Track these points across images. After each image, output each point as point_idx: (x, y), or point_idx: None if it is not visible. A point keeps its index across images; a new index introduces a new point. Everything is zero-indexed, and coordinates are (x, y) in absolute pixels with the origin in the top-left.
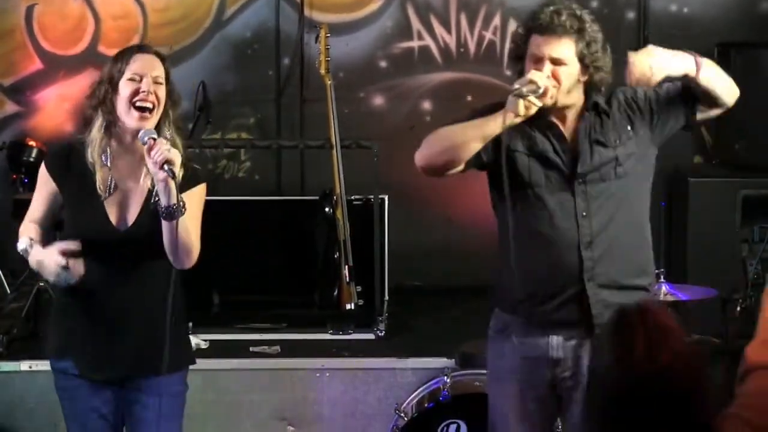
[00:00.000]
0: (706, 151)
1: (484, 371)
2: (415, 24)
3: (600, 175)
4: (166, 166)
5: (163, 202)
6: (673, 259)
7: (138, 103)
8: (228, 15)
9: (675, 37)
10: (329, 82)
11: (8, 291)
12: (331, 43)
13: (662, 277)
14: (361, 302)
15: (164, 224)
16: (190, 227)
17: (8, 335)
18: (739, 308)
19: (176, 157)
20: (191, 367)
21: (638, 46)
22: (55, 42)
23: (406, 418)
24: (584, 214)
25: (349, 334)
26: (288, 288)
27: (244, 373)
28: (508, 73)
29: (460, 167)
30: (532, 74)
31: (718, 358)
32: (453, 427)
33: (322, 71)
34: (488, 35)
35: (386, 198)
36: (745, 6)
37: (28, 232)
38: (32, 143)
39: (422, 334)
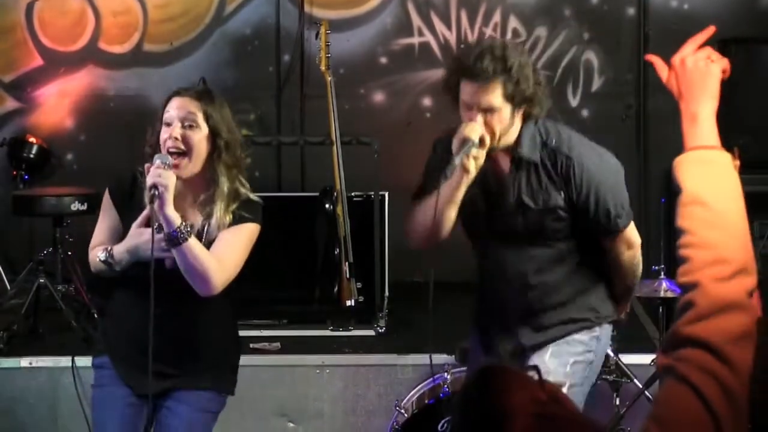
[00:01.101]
0: None
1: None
2: (416, 20)
3: (523, 234)
4: (152, 190)
5: (164, 228)
6: (674, 256)
7: (169, 149)
8: (228, 11)
9: (675, 33)
10: (329, 79)
11: (8, 287)
12: (332, 39)
13: (662, 273)
14: (361, 299)
15: (174, 253)
16: (200, 252)
17: (8, 332)
18: None
19: (168, 182)
20: None
21: (638, 42)
22: (55, 38)
23: (406, 415)
24: (513, 262)
25: (350, 330)
26: (288, 284)
27: (245, 370)
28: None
29: (448, 231)
30: (466, 130)
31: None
32: None
33: (323, 68)
34: (489, 31)
35: (386, 194)
36: (746, 2)
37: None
38: (32, 140)
39: (422, 330)
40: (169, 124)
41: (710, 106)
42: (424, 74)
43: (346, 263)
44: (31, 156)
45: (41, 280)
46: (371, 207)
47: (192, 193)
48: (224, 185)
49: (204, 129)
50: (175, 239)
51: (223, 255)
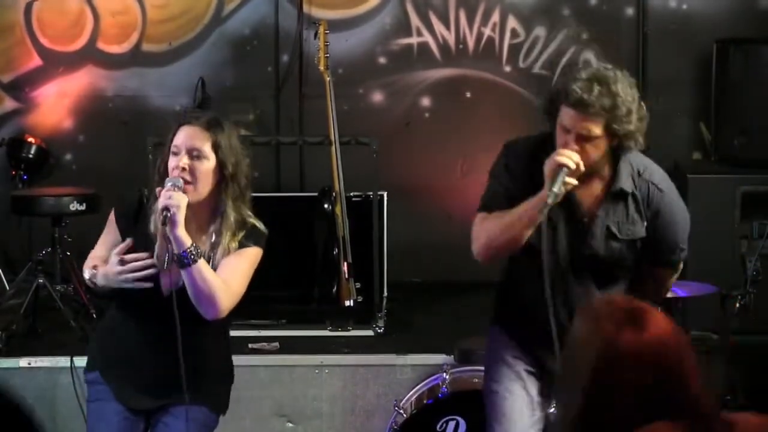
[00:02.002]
0: (705, 147)
1: (483, 368)
2: (414, 20)
3: (602, 262)
4: (164, 212)
5: (174, 248)
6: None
7: (173, 175)
8: (227, 11)
9: (674, 33)
10: (328, 79)
11: (7, 287)
12: (330, 39)
13: None
14: (360, 299)
15: (183, 276)
16: (209, 275)
17: (7, 332)
18: (738, 305)
19: (179, 203)
20: None
21: (637, 42)
22: (54, 38)
23: (405, 415)
24: (569, 289)
25: (348, 330)
26: (287, 284)
27: (244, 370)
28: (507, 69)
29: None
30: (563, 157)
31: (716, 354)
32: (452, 423)
33: (321, 68)
34: (487, 31)
35: (385, 194)
36: (744, 2)
37: (91, 265)
38: (31, 140)
39: (421, 330)
40: (176, 154)
41: None
42: (422, 74)
43: (345, 263)
44: (30, 156)
45: (40, 280)
46: (370, 207)
47: (198, 221)
48: (231, 216)
49: (212, 159)
50: (185, 261)
51: (229, 279)
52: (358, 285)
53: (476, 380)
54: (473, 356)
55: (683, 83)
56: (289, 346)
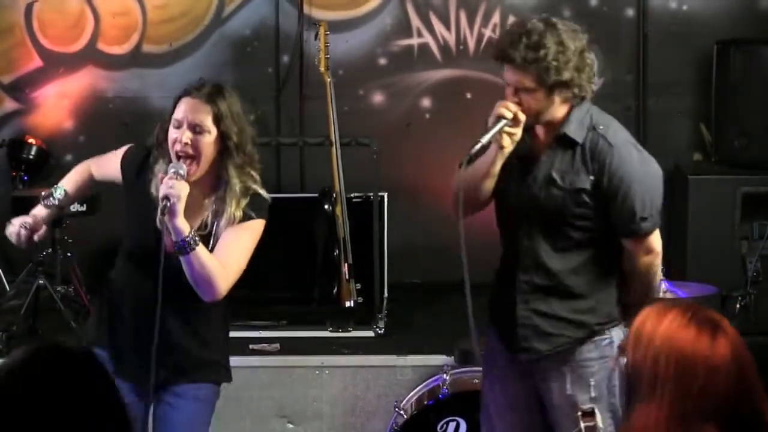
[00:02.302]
0: (705, 148)
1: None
2: (415, 21)
3: (545, 211)
4: (164, 201)
5: (173, 237)
6: (673, 257)
7: (177, 152)
8: (227, 12)
9: (674, 34)
10: (329, 80)
11: (8, 288)
12: (331, 40)
13: (662, 274)
14: (360, 300)
15: (182, 262)
16: (207, 259)
17: (8, 332)
18: (738, 305)
19: (180, 193)
20: None
21: (638, 43)
22: (54, 39)
23: (405, 416)
24: (528, 238)
25: (349, 331)
26: (287, 285)
27: (244, 371)
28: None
29: (486, 202)
30: (500, 108)
31: None
32: (452, 424)
33: (322, 68)
34: (487, 32)
35: (385, 195)
36: (745, 3)
37: (71, 179)
38: (32, 141)
39: (422, 331)
40: (178, 127)
41: None
42: (423, 75)
43: (346, 264)
44: (31, 157)
45: (40, 281)
46: (370, 208)
47: (200, 192)
48: (236, 186)
49: (213, 132)
50: (183, 248)
51: (228, 259)
52: (359, 286)
53: (476, 381)
54: (473, 357)
55: (683, 84)
56: (289, 347)
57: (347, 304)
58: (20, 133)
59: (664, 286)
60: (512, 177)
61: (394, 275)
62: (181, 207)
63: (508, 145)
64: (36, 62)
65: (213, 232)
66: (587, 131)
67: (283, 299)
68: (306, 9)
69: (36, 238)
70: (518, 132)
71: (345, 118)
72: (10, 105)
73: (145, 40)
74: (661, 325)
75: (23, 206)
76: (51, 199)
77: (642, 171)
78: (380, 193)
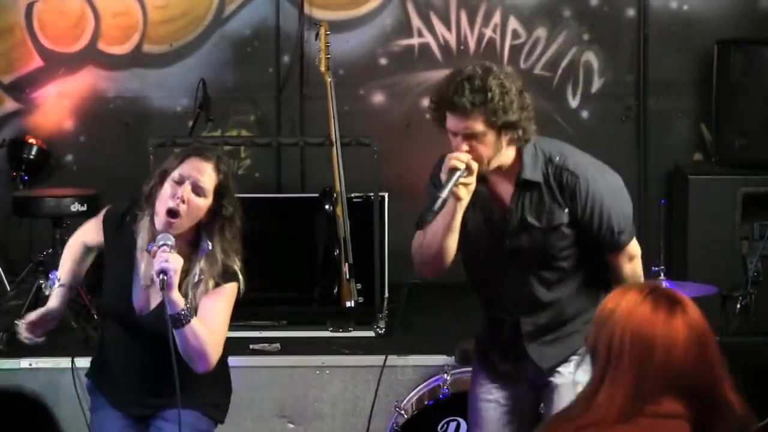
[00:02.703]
0: (706, 148)
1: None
2: (415, 21)
3: (531, 254)
4: (161, 276)
5: (168, 309)
6: (674, 257)
7: (169, 207)
8: (228, 12)
9: (675, 34)
10: (329, 80)
11: (8, 288)
12: (331, 40)
13: (662, 274)
14: (361, 300)
15: (175, 334)
16: (201, 332)
17: (8, 332)
18: (738, 305)
19: (175, 266)
20: None
21: (638, 43)
22: (54, 39)
23: (406, 416)
24: (520, 286)
25: (349, 331)
26: (288, 285)
27: (245, 371)
28: (508, 70)
29: (450, 261)
30: (452, 160)
31: None
32: (453, 424)
33: (322, 68)
34: (488, 32)
35: (386, 195)
36: (745, 3)
37: (64, 259)
38: (32, 141)
39: (422, 331)
40: (179, 182)
41: None
42: (423, 75)
43: (346, 264)
44: (31, 157)
45: (41, 281)
46: (371, 208)
47: (182, 245)
48: (219, 259)
49: (209, 199)
50: (178, 321)
51: (215, 327)
52: (359, 286)
53: None
54: (474, 357)
55: (684, 84)
56: (290, 347)
57: (348, 304)
58: (21, 133)
59: (664, 285)
60: (481, 235)
61: (395, 275)
62: (176, 280)
63: (465, 196)
64: (36, 62)
65: (190, 299)
66: (545, 167)
67: (284, 299)
68: (306, 9)
69: (43, 330)
70: (473, 181)
71: (345, 118)
72: (10, 105)
73: (146, 40)
74: (620, 303)
75: (24, 206)
76: (49, 288)
77: (609, 188)
78: (381, 193)
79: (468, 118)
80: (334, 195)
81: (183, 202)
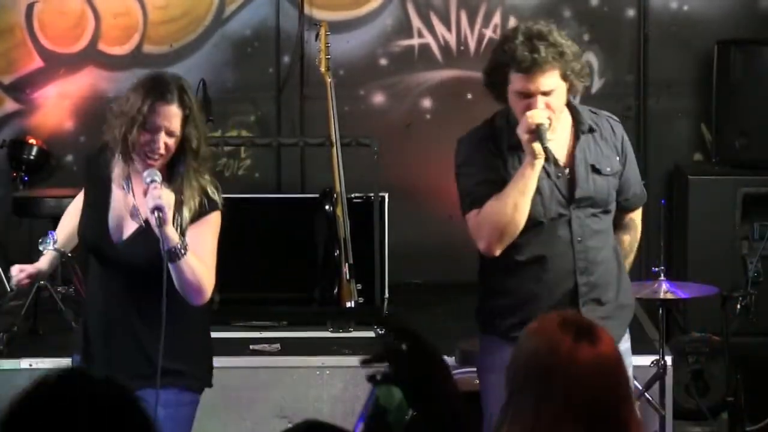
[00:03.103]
0: (706, 148)
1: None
2: (416, 22)
3: (595, 202)
4: (156, 213)
5: (163, 245)
6: (674, 257)
7: (147, 154)
8: (228, 13)
9: (675, 35)
10: (329, 80)
11: (8, 288)
12: (332, 40)
13: (662, 274)
14: (361, 300)
15: (171, 269)
16: (196, 265)
17: (8, 333)
18: (739, 306)
19: (168, 201)
20: None
21: (638, 43)
22: (55, 40)
23: None
24: (579, 239)
25: (350, 331)
26: (288, 286)
27: (245, 371)
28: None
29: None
30: (535, 117)
31: (718, 355)
32: None
33: (323, 69)
34: (488, 33)
35: (386, 196)
36: (745, 3)
37: (62, 232)
38: (32, 141)
39: (422, 332)
40: (152, 131)
41: None
42: (423, 75)
43: (346, 264)
44: (31, 157)
45: (41, 282)
46: (371, 208)
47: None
48: (192, 180)
49: (178, 133)
50: (174, 256)
51: (206, 259)
52: (359, 286)
53: (477, 381)
54: (474, 357)
55: (684, 84)
56: (290, 348)
57: (348, 304)
58: (21, 134)
59: (665, 286)
60: (543, 191)
61: (395, 275)
62: (170, 215)
63: (544, 154)
64: (37, 63)
65: (179, 225)
66: (592, 118)
67: (284, 299)
68: (306, 9)
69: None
70: (553, 137)
71: (345, 119)
72: (10, 105)
73: (146, 41)
74: (534, 334)
75: (24, 207)
76: (45, 246)
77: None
78: (381, 194)
79: (545, 74)
80: (334, 195)
81: (161, 150)
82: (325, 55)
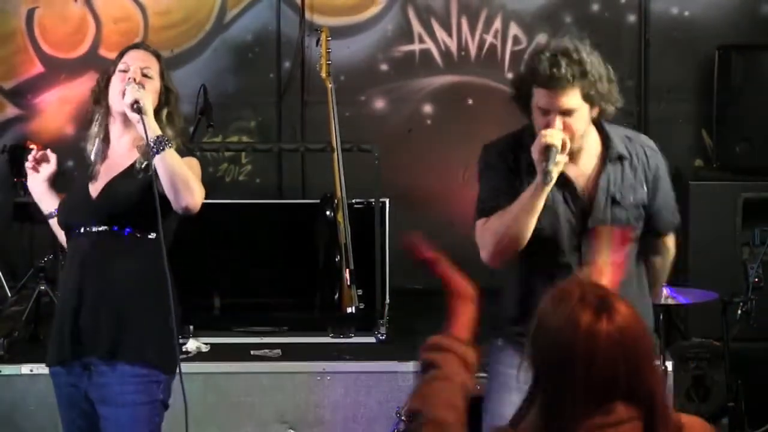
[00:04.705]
0: (707, 154)
1: (484, 374)
2: (416, 27)
3: None
4: (135, 105)
5: (147, 136)
6: (674, 263)
7: (124, 87)
8: (229, 18)
9: (676, 40)
10: (330, 86)
11: (9, 294)
12: (332, 46)
13: None
14: (362, 305)
15: (157, 164)
16: (182, 162)
17: (9, 338)
18: (739, 311)
19: (146, 97)
20: (192, 370)
21: (639, 49)
22: (55, 45)
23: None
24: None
25: (350, 337)
26: (289, 291)
27: (245, 377)
28: (509, 76)
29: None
30: (547, 138)
31: (718, 360)
32: None
33: (323, 74)
34: (489, 38)
35: (387, 201)
36: (746, 8)
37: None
38: (33, 147)
39: (423, 337)
40: (124, 71)
41: None
42: (424, 81)
43: (347, 270)
44: None
45: (42, 287)
46: (372, 214)
47: (139, 136)
48: (174, 124)
49: (157, 83)
50: (159, 144)
51: (194, 176)
52: (360, 292)
53: (478, 387)
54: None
55: (685, 90)
56: (290, 353)
57: (349, 309)
58: (22, 139)
59: (665, 291)
60: (558, 214)
61: (396, 281)
62: (150, 108)
63: (555, 175)
64: (37, 68)
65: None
66: (626, 145)
67: (285, 305)
68: (307, 15)
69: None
70: (565, 159)
71: (346, 124)
72: (11, 111)
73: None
74: (546, 311)
75: (25, 212)
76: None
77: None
78: (382, 199)
79: (566, 93)
80: (335, 201)
81: (137, 80)
82: (326, 60)
